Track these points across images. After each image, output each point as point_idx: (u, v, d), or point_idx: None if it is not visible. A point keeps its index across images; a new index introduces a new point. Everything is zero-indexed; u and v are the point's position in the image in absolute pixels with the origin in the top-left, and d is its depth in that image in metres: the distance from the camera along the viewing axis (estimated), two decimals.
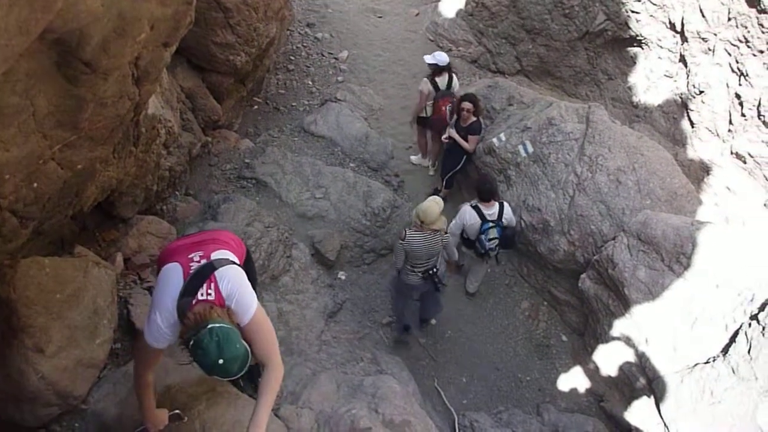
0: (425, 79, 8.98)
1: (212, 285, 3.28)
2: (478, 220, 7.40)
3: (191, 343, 3.00)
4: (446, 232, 6.93)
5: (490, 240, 7.45)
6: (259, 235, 7.49)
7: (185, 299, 3.23)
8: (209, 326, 3.00)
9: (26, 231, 3.75)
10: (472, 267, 8.45)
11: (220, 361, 2.94)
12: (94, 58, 3.14)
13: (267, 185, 8.56)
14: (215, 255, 3.51)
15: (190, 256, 3.50)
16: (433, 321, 8.36)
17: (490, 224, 7.39)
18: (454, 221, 7.64)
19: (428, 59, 8.87)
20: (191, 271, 3.37)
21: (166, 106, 6.77)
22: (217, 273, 3.35)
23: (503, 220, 7.46)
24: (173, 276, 3.39)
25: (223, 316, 3.13)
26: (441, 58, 8.89)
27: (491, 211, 7.42)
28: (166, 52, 4.14)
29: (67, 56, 3.04)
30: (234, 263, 3.54)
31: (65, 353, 4.35)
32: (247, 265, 3.89)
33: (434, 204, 6.70)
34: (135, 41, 3.39)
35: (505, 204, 7.56)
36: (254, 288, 3.61)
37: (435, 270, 7.03)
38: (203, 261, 3.45)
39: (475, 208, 7.44)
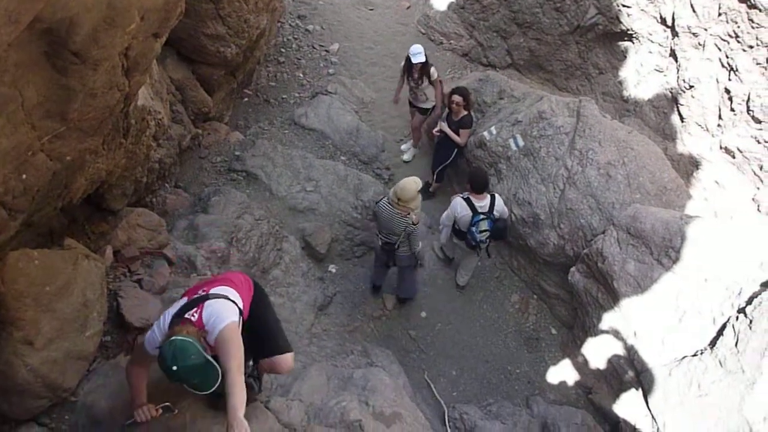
0: (433, 69, 9.01)
1: (198, 311, 3.77)
2: (468, 212, 7.42)
3: (159, 351, 3.49)
4: (414, 223, 7.02)
5: (480, 232, 7.48)
6: (249, 228, 7.49)
7: (177, 318, 3.74)
8: (172, 338, 3.47)
9: (15, 223, 3.72)
10: (462, 260, 8.47)
11: (174, 368, 3.37)
12: (84, 49, 3.12)
13: (257, 178, 8.54)
14: (214, 290, 3.98)
15: (197, 292, 4.00)
16: (423, 314, 8.39)
17: (481, 216, 7.42)
18: (445, 213, 7.70)
19: (422, 57, 8.78)
20: (192, 299, 3.91)
21: (156, 98, 6.74)
22: (206, 303, 3.83)
23: (495, 212, 7.48)
24: (179, 302, 3.94)
25: (192, 334, 3.55)
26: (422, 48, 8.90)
27: (482, 203, 7.45)
28: (156, 43, 4.12)
29: (56, 46, 3.02)
30: (228, 299, 3.94)
31: (55, 346, 4.34)
32: (257, 300, 4.33)
33: (412, 182, 6.88)
34: (125, 32, 3.37)
35: (497, 196, 7.60)
36: (275, 321, 4.45)
37: (396, 247, 7.28)
38: (203, 293, 3.95)
39: (467, 200, 7.46)
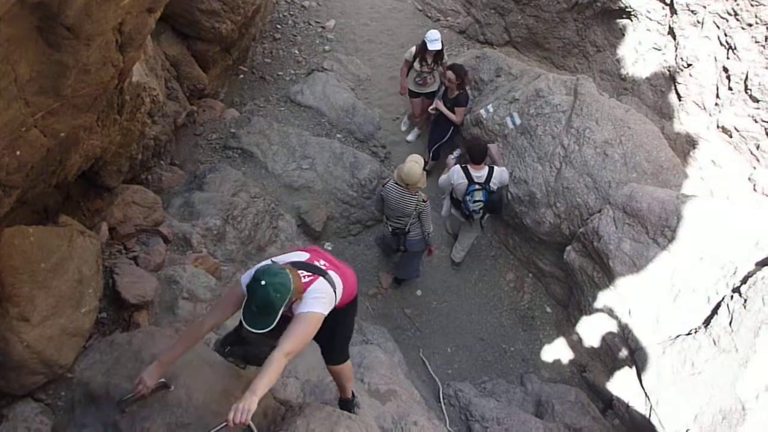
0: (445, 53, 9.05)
1: (310, 278, 3.76)
2: (465, 181, 7.46)
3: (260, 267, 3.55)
4: (424, 200, 7.05)
5: (474, 202, 7.50)
6: (245, 206, 7.47)
7: (292, 266, 3.75)
8: (283, 267, 3.56)
9: (9, 200, 3.70)
10: (459, 236, 8.49)
11: (263, 282, 3.36)
12: (77, 23, 3.08)
13: (253, 155, 8.50)
14: (331, 273, 3.95)
15: (319, 259, 4.03)
16: (419, 292, 8.42)
17: (476, 186, 7.45)
18: (443, 176, 7.77)
19: (439, 44, 8.64)
20: (312, 263, 3.93)
21: (150, 74, 6.68)
22: (321, 278, 3.82)
23: (491, 184, 7.51)
24: (298, 254, 4.05)
25: (295, 283, 3.54)
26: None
27: (479, 173, 7.48)
28: (151, 18, 4.07)
29: (48, 21, 2.99)
30: (333, 287, 3.89)
31: (50, 322, 4.34)
32: (348, 308, 4.39)
33: (415, 165, 6.94)
34: (118, 6, 3.32)
35: (495, 168, 7.61)
36: (346, 333, 4.55)
37: (406, 231, 7.30)
38: (324, 267, 3.95)
39: (464, 169, 7.49)
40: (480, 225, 8.10)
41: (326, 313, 3.71)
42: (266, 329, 3.39)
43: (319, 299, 3.68)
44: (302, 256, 3.97)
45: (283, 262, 3.77)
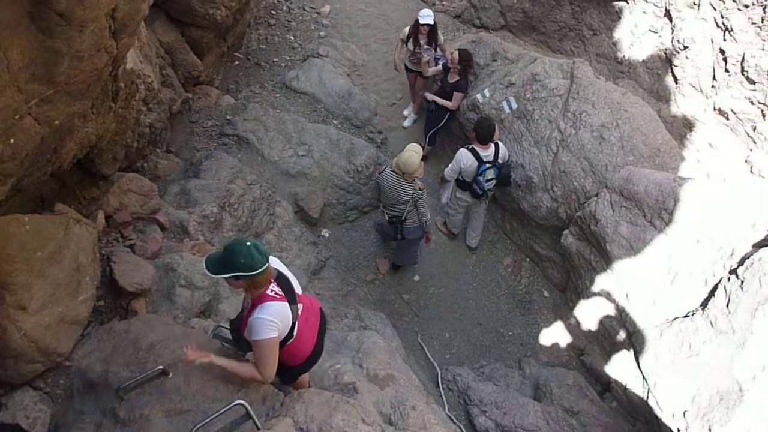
0: (440, 33, 9.09)
1: (276, 297, 3.79)
2: (474, 162, 7.54)
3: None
4: (420, 189, 7.05)
5: (487, 181, 7.61)
6: (241, 193, 7.46)
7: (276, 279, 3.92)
8: (254, 243, 3.71)
9: (4, 188, 3.69)
10: (469, 221, 8.51)
11: (248, 243, 3.66)
12: (69, 9, 3.06)
13: (249, 142, 8.48)
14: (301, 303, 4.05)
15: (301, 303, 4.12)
16: (417, 278, 8.43)
17: (487, 165, 7.54)
18: (450, 166, 7.79)
19: (431, 19, 8.68)
20: (295, 295, 4.02)
21: (145, 61, 6.64)
22: (287, 303, 3.85)
23: (499, 160, 7.61)
24: (292, 278, 4.11)
25: (267, 275, 3.75)
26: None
27: (487, 152, 7.58)
28: (144, 3, 4.05)
29: (40, 7, 2.97)
30: (292, 322, 3.92)
31: (48, 310, 4.33)
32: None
33: (414, 154, 6.93)
34: None
35: (500, 143, 7.73)
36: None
37: (403, 219, 7.32)
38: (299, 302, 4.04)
39: (472, 150, 7.55)
40: (493, 197, 8.19)
41: (273, 335, 3.74)
42: (211, 273, 3.63)
43: (264, 326, 3.71)
44: (292, 280, 4.09)
45: (286, 270, 4.05)
